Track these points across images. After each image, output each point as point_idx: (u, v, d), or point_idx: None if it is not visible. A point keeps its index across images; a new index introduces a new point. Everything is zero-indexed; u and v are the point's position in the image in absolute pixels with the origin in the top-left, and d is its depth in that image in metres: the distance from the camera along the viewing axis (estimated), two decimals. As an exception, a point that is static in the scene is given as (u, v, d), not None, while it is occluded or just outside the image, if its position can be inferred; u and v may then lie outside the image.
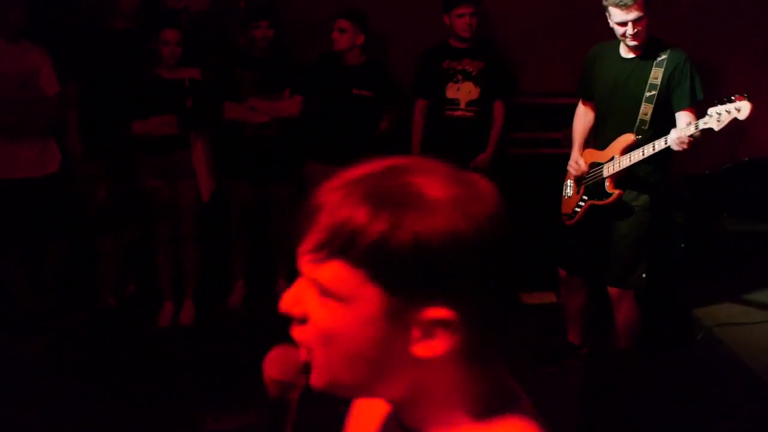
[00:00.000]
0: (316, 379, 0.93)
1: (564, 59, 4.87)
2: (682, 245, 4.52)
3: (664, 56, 3.69)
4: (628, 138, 3.72)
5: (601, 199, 3.87)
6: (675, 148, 3.48)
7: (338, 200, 0.84)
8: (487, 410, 0.89)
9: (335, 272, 0.84)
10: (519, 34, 5.17)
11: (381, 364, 0.87)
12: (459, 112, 4.80)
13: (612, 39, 3.79)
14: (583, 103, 4.09)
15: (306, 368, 0.94)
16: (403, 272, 0.82)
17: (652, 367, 4.06)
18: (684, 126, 3.51)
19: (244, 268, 5.03)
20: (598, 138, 3.97)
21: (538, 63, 5.18)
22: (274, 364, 1.02)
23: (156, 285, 4.83)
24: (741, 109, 3.32)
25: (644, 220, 3.85)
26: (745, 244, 4.45)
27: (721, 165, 4.94)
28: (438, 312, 0.83)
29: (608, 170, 3.81)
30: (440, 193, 0.82)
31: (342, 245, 0.83)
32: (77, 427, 3.54)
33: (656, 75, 3.67)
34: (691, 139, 3.43)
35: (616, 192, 3.80)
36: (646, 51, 3.72)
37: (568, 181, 4.09)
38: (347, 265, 0.84)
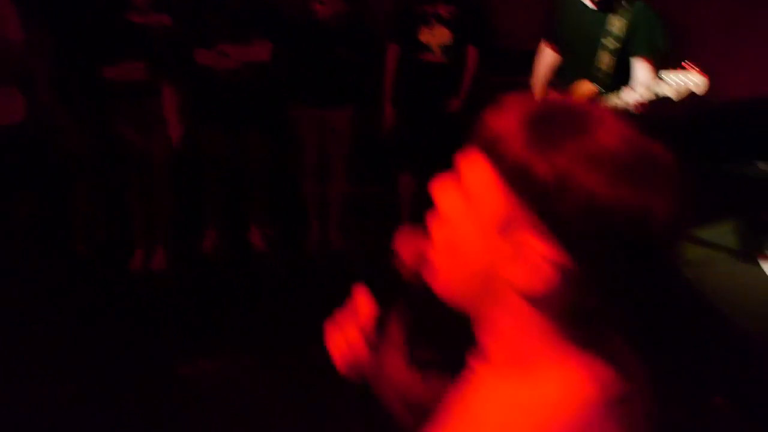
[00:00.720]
0: (432, 281, 0.94)
1: (539, 3, 4.82)
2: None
3: (627, 6, 3.66)
4: (588, 87, 3.72)
5: None
6: (635, 109, 3.50)
7: (506, 114, 0.84)
8: (531, 366, 0.87)
9: (480, 172, 0.85)
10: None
11: (486, 285, 0.87)
12: (431, 57, 4.76)
13: None
14: (546, 44, 4.08)
15: (424, 263, 0.95)
16: (537, 200, 0.80)
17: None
18: (640, 79, 3.51)
19: (218, 213, 5.03)
20: (559, 81, 3.98)
21: (512, 7, 5.14)
22: (405, 245, 1.01)
23: (128, 231, 4.82)
24: (699, 84, 3.31)
25: None
26: (713, 186, 4.48)
27: (693, 109, 4.94)
28: (549, 249, 0.81)
29: None
30: (608, 143, 0.79)
31: (496, 153, 0.83)
32: (50, 373, 3.56)
33: (618, 25, 3.64)
34: (648, 104, 3.44)
35: None
36: (609, 1, 3.70)
37: None
38: (493, 171, 0.84)
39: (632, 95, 3.48)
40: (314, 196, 5.07)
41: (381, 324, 1.08)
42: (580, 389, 0.83)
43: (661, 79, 3.38)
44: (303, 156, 4.97)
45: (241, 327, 4.02)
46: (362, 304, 1.10)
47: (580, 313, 0.84)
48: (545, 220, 0.80)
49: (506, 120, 0.84)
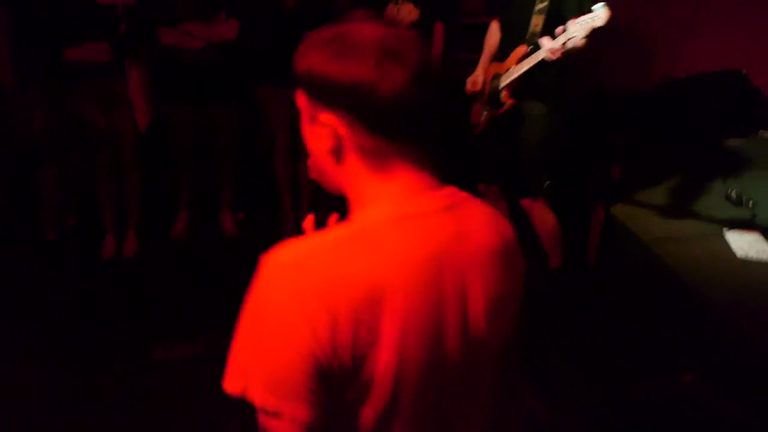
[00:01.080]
0: (314, 177, 1.33)
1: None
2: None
3: None
4: (521, 49, 3.80)
5: (497, 109, 3.97)
6: (549, 57, 3.56)
7: (297, 53, 1.25)
8: (366, 204, 1.24)
9: (298, 94, 1.26)
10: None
11: (319, 159, 1.27)
12: (400, 34, 4.74)
13: None
14: (495, 20, 4.20)
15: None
16: (310, 90, 1.22)
17: (589, 283, 4.17)
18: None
19: (188, 197, 4.99)
20: (500, 51, 4.06)
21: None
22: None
23: (98, 216, 4.76)
24: (599, 15, 3.39)
25: (542, 127, 3.92)
26: (681, 162, 4.55)
27: (658, 82, 4.99)
28: (326, 117, 1.20)
29: (504, 81, 3.90)
30: (346, 40, 1.18)
31: (295, 77, 1.24)
32: (23, 361, 3.53)
33: None
34: (563, 49, 3.48)
35: (509, 102, 3.90)
36: None
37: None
38: (298, 89, 1.25)
39: (548, 44, 3.55)
40: (286, 177, 5.04)
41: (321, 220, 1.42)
42: (384, 208, 1.20)
43: (576, 24, 3.46)
44: (274, 137, 4.93)
45: (216, 311, 3.99)
46: (308, 218, 1.45)
47: (367, 152, 1.21)
48: (315, 98, 1.21)
49: (295, 55, 1.24)
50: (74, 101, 4.52)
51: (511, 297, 1.31)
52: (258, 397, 1.11)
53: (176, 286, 4.31)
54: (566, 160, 4.43)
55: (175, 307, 4.07)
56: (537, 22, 3.75)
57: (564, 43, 3.49)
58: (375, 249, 1.14)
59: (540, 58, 3.64)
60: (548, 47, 3.55)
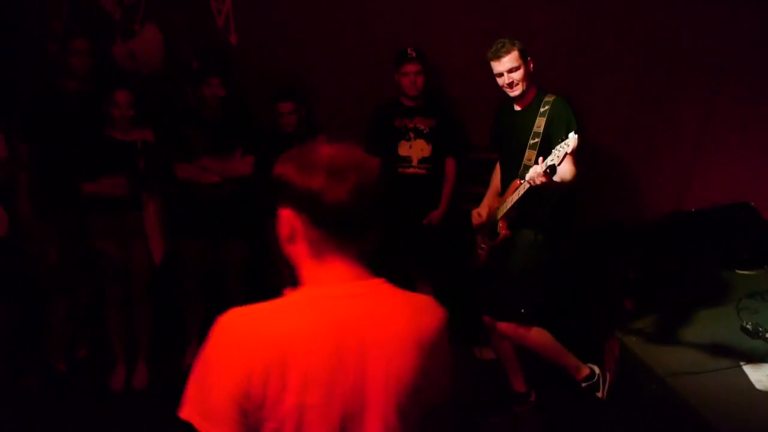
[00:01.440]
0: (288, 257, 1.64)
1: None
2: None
3: (547, 106, 3.85)
4: (516, 183, 3.88)
5: (494, 240, 4.04)
6: (533, 183, 3.61)
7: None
8: (305, 283, 1.59)
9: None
10: (470, 90, 5.21)
11: (282, 242, 1.60)
12: (411, 170, 4.85)
13: None
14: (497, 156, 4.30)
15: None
16: (279, 190, 1.57)
17: (606, 418, 4.07)
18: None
19: (199, 328, 4.95)
20: (501, 186, 4.17)
21: (489, 118, 5.25)
22: None
23: (108, 348, 4.74)
24: (569, 142, 3.46)
25: (529, 255, 3.99)
26: (694, 294, 4.52)
27: (668, 215, 5.03)
28: (286, 212, 1.57)
29: (500, 212, 4.00)
30: (307, 158, 1.55)
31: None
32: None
33: (539, 124, 3.85)
34: (544, 176, 3.53)
35: (503, 232, 4.00)
36: (533, 102, 3.91)
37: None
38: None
39: (531, 171, 3.61)
40: None
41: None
42: (313, 289, 1.57)
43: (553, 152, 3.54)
44: (282, 272, 4.95)
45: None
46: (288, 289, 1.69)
47: (313, 243, 1.56)
48: (281, 197, 1.56)
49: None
50: (90, 234, 4.58)
51: (427, 386, 1.56)
52: (197, 423, 1.46)
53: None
54: (576, 292, 4.42)
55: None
56: (530, 156, 3.84)
57: (545, 170, 3.54)
58: (291, 319, 1.49)
59: (527, 187, 3.71)
60: (531, 176, 3.62)
